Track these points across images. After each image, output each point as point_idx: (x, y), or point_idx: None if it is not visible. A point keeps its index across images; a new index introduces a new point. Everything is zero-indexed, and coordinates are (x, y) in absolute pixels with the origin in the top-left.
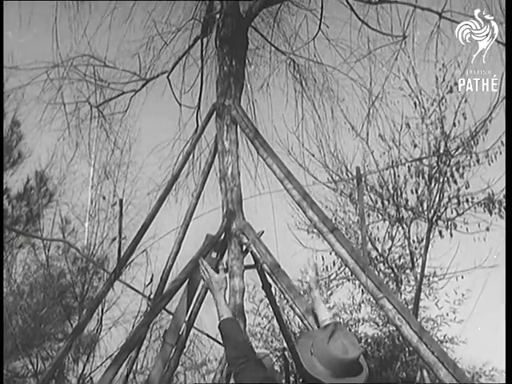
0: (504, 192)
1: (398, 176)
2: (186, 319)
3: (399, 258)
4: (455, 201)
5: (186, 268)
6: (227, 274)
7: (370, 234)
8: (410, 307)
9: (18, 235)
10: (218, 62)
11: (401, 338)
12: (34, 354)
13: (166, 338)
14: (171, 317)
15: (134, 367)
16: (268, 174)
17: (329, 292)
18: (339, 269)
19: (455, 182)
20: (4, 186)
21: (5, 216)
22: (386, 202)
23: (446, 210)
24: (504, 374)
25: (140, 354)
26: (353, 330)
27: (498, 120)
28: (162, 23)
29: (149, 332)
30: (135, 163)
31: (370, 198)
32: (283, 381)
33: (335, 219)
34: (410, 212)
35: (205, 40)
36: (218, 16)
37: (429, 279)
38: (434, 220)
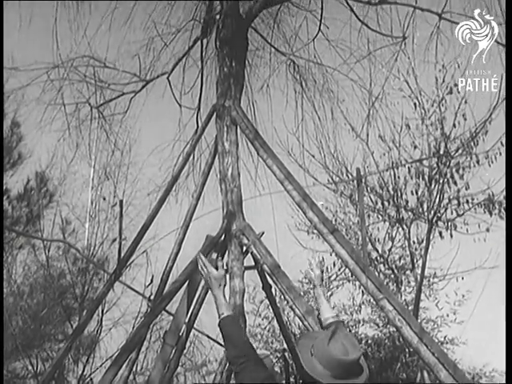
0: (504, 193)
1: (398, 177)
2: (186, 320)
3: (399, 258)
4: (455, 202)
5: (186, 269)
6: (227, 275)
7: (370, 234)
8: (410, 308)
9: (18, 236)
10: (217, 62)
11: (401, 339)
12: (34, 354)
13: (166, 339)
14: (171, 318)
15: (134, 368)
16: (268, 175)
17: (329, 293)
18: (339, 270)
19: (455, 183)
20: (4, 187)
21: (5, 217)
22: (386, 203)
23: (446, 210)
24: (504, 375)
25: (140, 354)
26: (353, 331)
27: (498, 121)
28: (162, 24)
29: (149, 333)
30: (135, 164)
31: (370, 199)
32: (283, 382)
33: (335, 220)
34: (410, 213)
35: (205, 41)
36: (217, 17)
37: (429, 280)
38: (434, 221)
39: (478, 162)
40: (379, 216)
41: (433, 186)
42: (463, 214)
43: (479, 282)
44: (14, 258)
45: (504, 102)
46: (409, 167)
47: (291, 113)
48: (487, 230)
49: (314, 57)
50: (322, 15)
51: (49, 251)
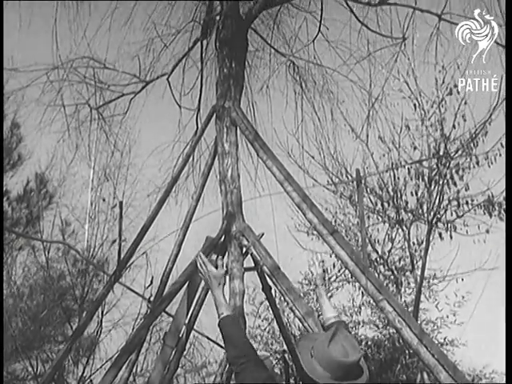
0: (504, 194)
1: (398, 178)
2: (186, 321)
3: (399, 260)
4: (455, 203)
5: (186, 270)
6: (227, 277)
7: (370, 236)
8: (410, 309)
9: (17, 237)
10: (217, 63)
11: (401, 341)
12: (34, 356)
13: (166, 341)
14: (171, 319)
15: (134, 370)
16: (268, 176)
17: (329, 294)
18: (339, 271)
19: (455, 184)
20: (4, 188)
21: (5, 218)
22: (385, 204)
23: (445, 212)
24: (504, 377)
25: (140, 356)
26: (353, 333)
27: (498, 122)
28: (162, 25)
29: (149, 334)
30: (135, 165)
31: (370, 200)
32: (283, 383)
33: (335, 221)
34: (409, 214)
35: (204, 42)
36: (217, 18)
37: (429, 281)
38: (433, 222)
39: (477, 163)
40: (379, 217)
41: (432, 187)
42: (463, 215)
43: (479, 283)
44: (14, 259)
45: (504, 102)
46: (408, 168)
47: (291, 114)
48: (487, 231)
49: (314, 58)
50: (321, 16)
51: (48, 252)
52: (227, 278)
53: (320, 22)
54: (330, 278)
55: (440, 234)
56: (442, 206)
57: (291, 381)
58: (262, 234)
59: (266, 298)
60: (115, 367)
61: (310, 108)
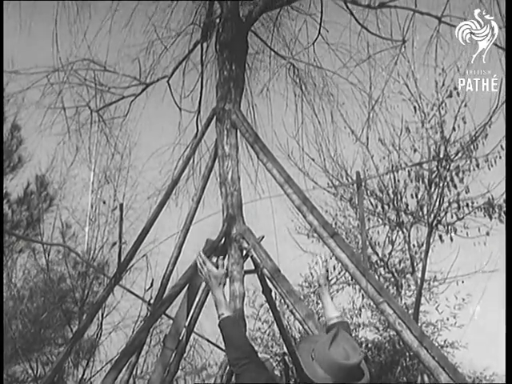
0: (504, 196)
1: (398, 180)
2: (186, 324)
3: (399, 262)
4: (455, 205)
5: (186, 273)
6: (227, 279)
7: (370, 238)
8: (410, 312)
9: (18, 240)
10: (217, 66)
11: (401, 343)
12: (34, 358)
13: (166, 343)
14: (171, 322)
15: (134, 372)
16: (268, 179)
17: None
18: (339, 273)
19: (455, 186)
20: (4, 191)
21: (5, 220)
22: (386, 207)
23: (446, 214)
24: (504, 379)
25: (140, 358)
26: (353, 335)
27: (498, 125)
28: (162, 28)
29: (149, 337)
30: (135, 167)
31: (370, 203)
32: None
33: (335, 224)
34: (410, 216)
35: (205, 44)
36: (217, 20)
37: (429, 284)
38: (434, 224)
39: (477, 165)
40: (379, 219)
41: (433, 189)
42: (463, 217)
43: (479, 285)
44: (14, 261)
45: (504, 105)
46: (409, 170)
47: (291, 116)
48: (487, 233)
49: (314, 60)
50: (321, 19)
51: (49, 255)
52: (227, 280)
53: (320, 24)
54: (330, 281)
55: (440, 237)
56: (442, 209)
57: (291, 383)
58: (263, 237)
59: (266, 301)
60: (115, 369)
61: (310, 110)
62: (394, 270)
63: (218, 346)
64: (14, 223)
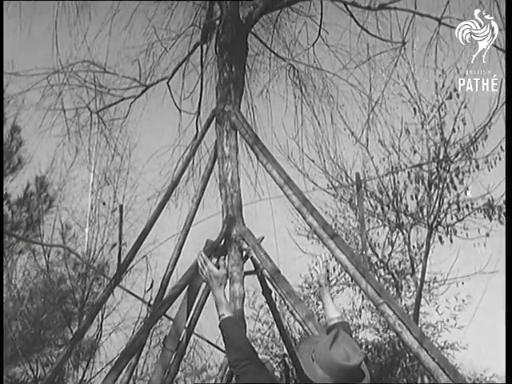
0: (504, 198)
1: (398, 182)
2: (186, 325)
3: (399, 263)
4: (455, 206)
5: (186, 274)
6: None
7: (370, 239)
8: (410, 313)
9: (18, 241)
10: (217, 68)
11: (401, 344)
12: (34, 359)
13: (166, 344)
14: (171, 323)
15: (134, 373)
16: (268, 180)
17: None
18: (339, 274)
19: (455, 187)
20: (4, 192)
21: (5, 221)
22: (385, 208)
23: (445, 215)
24: (504, 380)
25: (140, 360)
26: (353, 336)
27: (498, 126)
28: (162, 29)
29: (149, 338)
30: (135, 169)
31: (370, 204)
32: None
33: (335, 225)
34: (409, 218)
35: (205, 46)
36: (217, 22)
37: (429, 285)
38: (434, 226)
39: (477, 166)
40: (379, 221)
41: (432, 190)
42: (463, 218)
43: (479, 286)
44: (14, 262)
45: (503, 106)
46: (408, 172)
47: (291, 118)
48: (487, 234)
49: (314, 62)
50: (321, 20)
51: (49, 256)
52: (227, 280)
53: (320, 26)
54: (330, 281)
55: (440, 238)
56: (442, 210)
57: None
58: (262, 238)
59: (266, 302)
60: (115, 371)
61: (310, 112)
62: (393, 271)
63: (218, 348)
64: (13, 224)
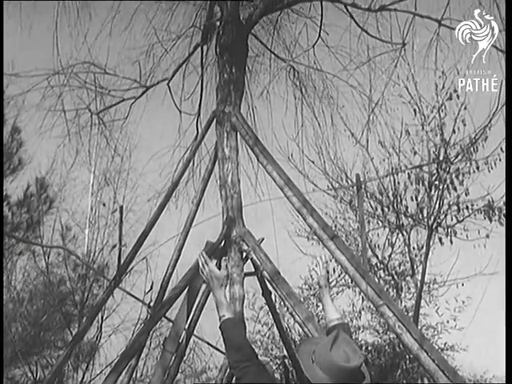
0: (504, 199)
1: (398, 183)
2: (186, 327)
3: (399, 265)
4: (455, 208)
5: (186, 275)
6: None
7: (370, 240)
8: (410, 314)
9: (17, 242)
10: (218, 69)
11: (401, 346)
12: (34, 361)
13: (165, 346)
14: (171, 324)
15: (134, 375)
16: (268, 181)
17: None
18: (339, 276)
19: (455, 188)
20: (4, 193)
21: (5, 223)
22: (385, 209)
23: (445, 216)
24: (504, 381)
25: (140, 361)
26: (353, 338)
27: (498, 127)
28: (162, 31)
29: (149, 339)
30: (135, 170)
31: (370, 205)
32: None
33: (335, 226)
34: (409, 219)
35: (205, 47)
36: (218, 23)
37: (429, 286)
38: (434, 227)
39: (477, 167)
40: (379, 222)
41: (433, 191)
42: (463, 220)
43: (479, 288)
44: (14, 264)
45: (503, 107)
46: (409, 173)
47: (291, 119)
48: (487, 236)
49: (314, 63)
50: (321, 22)
51: (49, 258)
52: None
53: (320, 27)
54: (330, 283)
55: (440, 239)
56: (442, 211)
57: None
58: (262, 239)
59: (265, 303)
60: (115, 372)
61: (310, 113)
62: (393, 272)
63: (217, 349)
64: (13, 225)
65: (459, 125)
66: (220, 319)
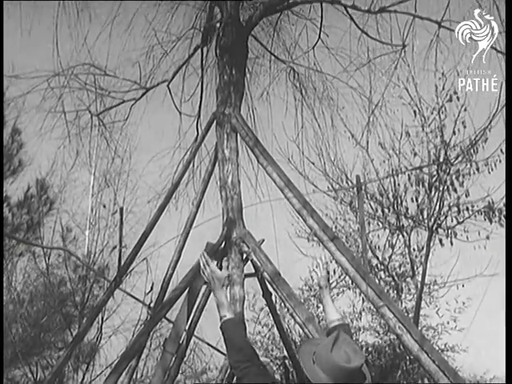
0: (504, 200)
1: (398, 184)
2: (187, 328)
3: (400, 266)
4: (455, 209)
5: (186, 276)
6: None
7: (371, 242)
8: (410, 316)
9: (18, 243)
10: (218, 70)
11: (402, 347)
12: (34, 362)
13: (166, 347)
14: (171, 325)
15: (134, 376)
16: (268, 183)
17: None
18: (339, 277)
19: (455, 190)
20: (4, 194)
21: (5, 224)
22: (386, 211)
23: (446, 218)
24: (505, 382)
25: (140, 362)
26: (353, 339)
27: (498, 129)
28: (163, 32)
29: (149, 340)
30: (135, 171)
31: (371, 207)
32: None
33: (335, 227)
34: (410, 220)
35: (205, 49)
36: (218, 25)
37: (429, 287)
38: (434, 228)
39: (477, 169)
40: (379, 223)
41: (433, 193)
42: (463, 221)
43: (479, 289)
44: (14, 265)
45: (503, 109)
46: (409, 174)
47: (291, 120)
48: (487, 237)
49: (314, 64)
50: (321, 23)
51: (49, 259)
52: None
53: (320, 29)
54: (331, 284)
55: (440, 240)
56: (442, 212)
57: None
58: (263, 241)
59: (266, 304)
60: (115, 373)
61: (310, 114)
62: (394, 273)
63: (218, 350)
64: (14, 227)
65: (459, 126)
66: (221, 319)
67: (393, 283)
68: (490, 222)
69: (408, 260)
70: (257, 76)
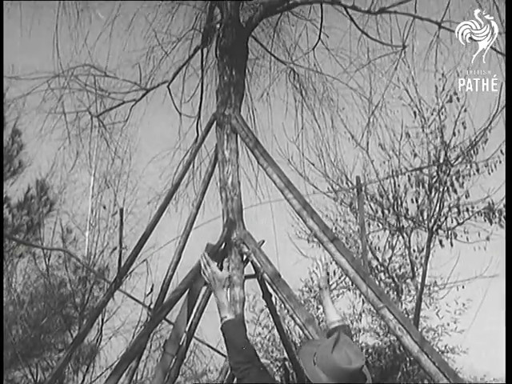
0: (504, 201)
1: (398, 185)
2: (187, 329)
3: (400, 267)
4: (455, 210)
5: (186, 278)
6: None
7: (371, 243)
8: (410, 317)
9: (18, 244)
10: (218, 71)
11: (402, 348)
12: (34, 364)
13: (166, 348)
14: (171, 327)
15: (134, 377)
16: (268, 184)
17: None
18: (339, 278)
19: (455, 191)
20: (4, 195)
21: (5, 225)
22: (386, 212)
23: (446, 219)
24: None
25: (140, 364)
26: (353, 340)
27: (498, 129)
28: (163, 33)
29: (149, 342)
30: (135, 172)
31: (371, 208)
32: None
33: (335, 229)
34: (410, 221)
35: (205, 50)
36: (218, 26)
37: (429, 289)
38: (434, 229)
39: (477, 170)
40: (379, 224)
41: (433, 194)
42: (463, 222)
43: (480, 290)
44: (14, 266)
45: (503, 110)
46: (409, 175)
47: (291, 121)
48: (487, 238)
49: (314, 65)
50: (321, 24)
51: (49, 260)
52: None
53: (320, 30)
54: (330, 285)
55: (440, 242)
56: (442, 213)
57: None
58: (263, 242)
59: (266, 306)
60: (115, 375)
61: (310, 115)
62: (394, 275)
63: (218, 352)
64: (14, 228)
65: (459, 127)
66: (221, 320)
67: (393, 284)
68: (490, 223)
69: (408, 261)
70: (257, 77)
